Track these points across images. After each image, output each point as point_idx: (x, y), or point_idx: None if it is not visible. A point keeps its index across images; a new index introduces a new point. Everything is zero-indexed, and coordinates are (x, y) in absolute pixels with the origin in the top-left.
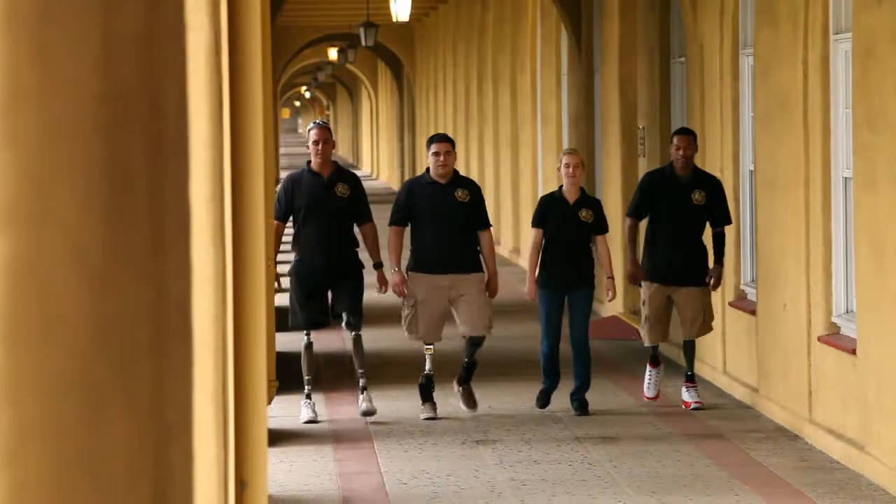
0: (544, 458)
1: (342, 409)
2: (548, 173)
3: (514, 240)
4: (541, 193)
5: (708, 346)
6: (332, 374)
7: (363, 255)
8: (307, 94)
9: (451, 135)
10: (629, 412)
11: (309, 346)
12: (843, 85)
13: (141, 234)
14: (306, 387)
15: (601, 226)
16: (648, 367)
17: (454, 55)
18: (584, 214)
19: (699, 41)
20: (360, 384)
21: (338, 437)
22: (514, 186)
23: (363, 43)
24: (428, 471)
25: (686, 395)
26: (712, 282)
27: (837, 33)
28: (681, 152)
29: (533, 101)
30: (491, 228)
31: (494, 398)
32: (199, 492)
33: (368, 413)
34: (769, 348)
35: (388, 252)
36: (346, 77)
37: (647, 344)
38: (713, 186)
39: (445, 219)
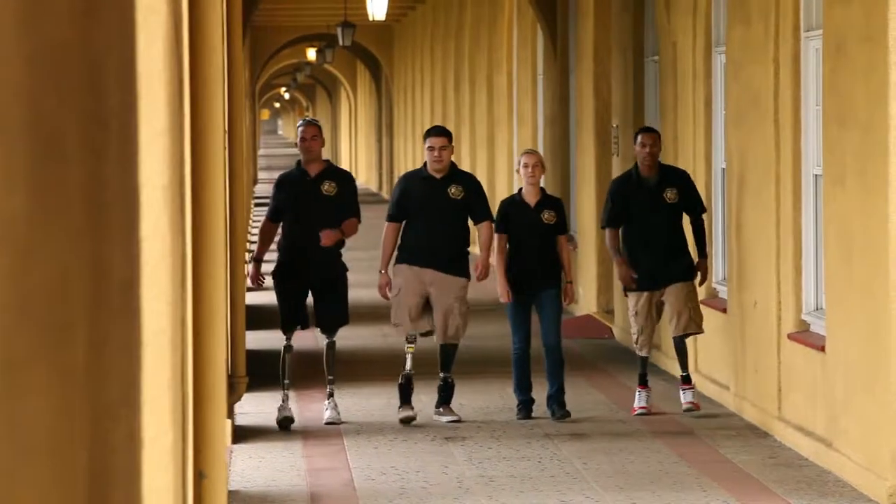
0: (514, 455)
1: (313, 407)
2: None
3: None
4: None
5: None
6: (304, 373)
7: (347, 255)
8: (286, 96)
9: None
10: (601, 410)
11: (288, 348)
12: (814, 82)
13: (73, 205)
14: (283, 391)
15: (563, 226)
16: (637, 389)
17: (432, 56)
18: (547, 216)
19: (672, 40)
20: (328, 390)
21: (307, 433)
22: (489, 187)
23: (340, 43)
24: (397, 467)
25: (682, 397)
26: (699, 277)
27: (808, 31)
28: (647, 149)
29: (509, 101)
30: (490, 221)
31: (465, 396)
32: (155, 481)
33: (333, 422)
34: (740, 346)
35: (381, 250)
36: (325, 78)
37: (641, 354)
38: (682, 180)
39: (435, 215)
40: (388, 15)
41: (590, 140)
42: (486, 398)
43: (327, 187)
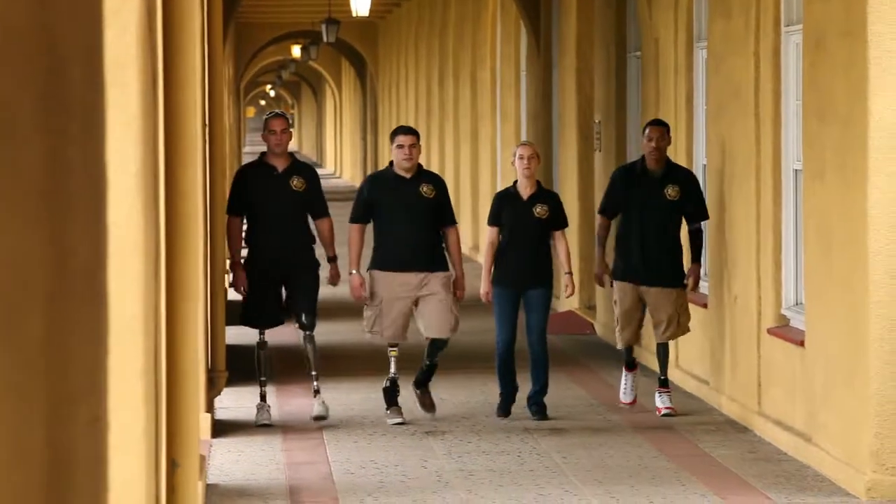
0: (493, 449)
1: (293, 402)
2: (507, 168)
3: (473, 236)
4: (499, 187)
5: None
6: (284, 367)
7: (319, 251)
8: (272, 93)
9: None
10: (581, 405)
11: (262, 344)
12: (794, 77)
13: (29, 184)
14: (260, 388)
15: (559, 221)
16: (624, 372)
17: (416, 52)
18: (540, 210)
19: (655, 35)
20: (314, 387)
21: (287, 428)
22: (473, 182)
23: (325, 39)
24: (376, 461)
25: (658, 401)
26: (690, 282)
27: (788, 25)
28: (653, 143)
29: (493, 96)
30: (457, 226)
31: (446, 390)
32: (126, 468)
33: (321, 417)
34: (720, 341)
35: (348, 252)
36: (310, 75)
37: (619, 346)
38: (688, 181)
39: (410, 215)
40: (372, 12)
41: (572, 135)
42: (467, 393)
43: (296, 183)
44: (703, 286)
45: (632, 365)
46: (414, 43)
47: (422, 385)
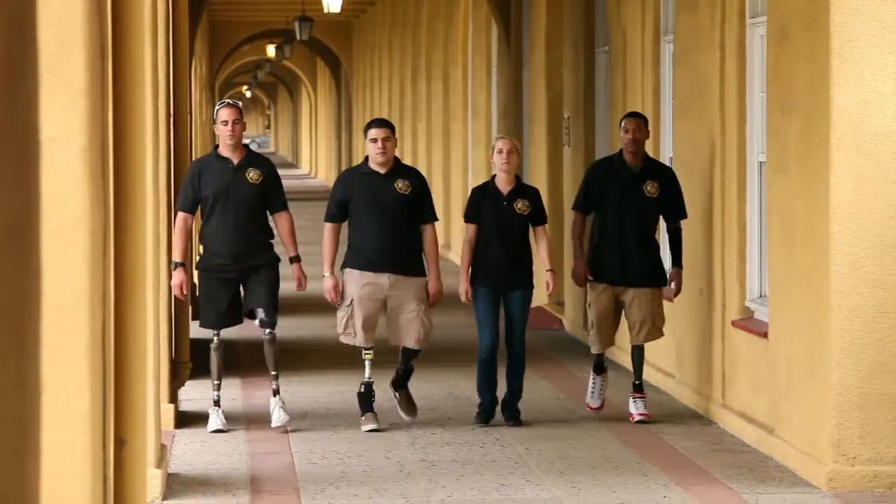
0: (456, 440)
1: (258, 394)
2: (477, 166)
3: (444, 235)
4: (470, 188)
5: (625, 331)
6: (250, 360)
7: (280, 248)
8: (248, 94)
9: None
10: (546, 398)
11: (218, 347)
12: (759, 69)
13: None
14: (214, 393)
15: (539, 216)
16: (592, 375)
17: (390, 51)
18: (520, 206)
19: (622, 29)
20: (273, 387)
21: (251, 419)
22: (445, 180)
23: (298, 37)
24: (339, 452)
25: (632, 407)
26: (673, 287)
27: (754, 17)
28: (630, 135)
29: (464, 94)
30: (435, 223)
31: (412, 384)
32: (71, 444)
33: (283, 425)
34: (685, 334)
35: (322, 252)
36: (286, 76)
37: (593, 350)
38: (667, 177)
39: (385, 212)
40: (347, 11)
41: (542, 132)
42: (432, 386)
43: (253, 175)
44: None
45: (601, 368)
46: (388, 42)
47: (400, 387)
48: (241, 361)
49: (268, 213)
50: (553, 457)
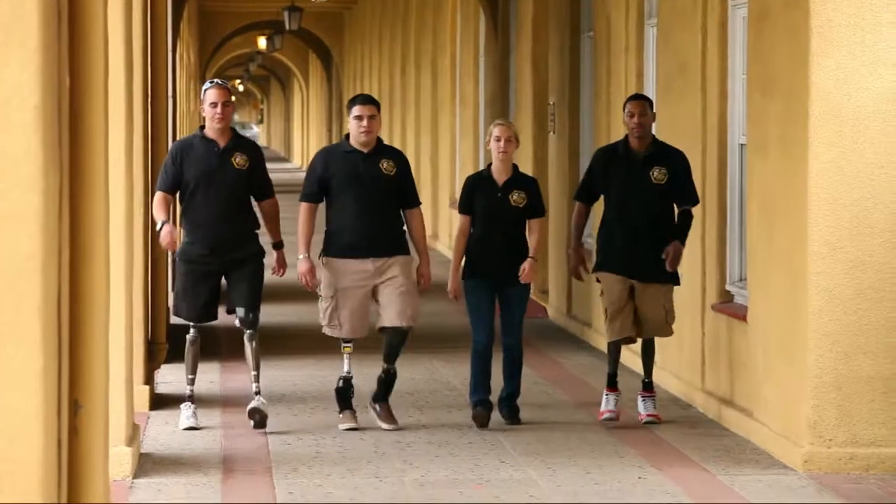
0: (433, 423)
1: (236, 377)
2: (465, 156)
3: (431, 225)
4: (458, 177)
5: None
6: (231, 344)
7: (265, 238)
8: (241, 87)
9: None
10: (527, 383)
11: (195, 340)
12: (741, 50)
13: None
14: (188, 388)
15: (536, 209)
16: (605, 393)
17: (380, 42)
18: (516, 198)
19: (606, 13)
20: (254, 389)
21: (228, 401)
22: (433, 170)
23: (287, 27)
24: (314, 433)
25: (641, 407)
26: (669, 258)
27: None
28: (635, 119)
29: (452, 83)
30: (420, 207)
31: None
32: (23, 406)
33: (261, 425)
34: None
35: (298, 234)
36: (279, 69)
37: (609, 339)
38: (676, 161)
39: (368, 194)
40: (338, 2)
41: (528, 119)
42: (411, 370)
43: (239, 160)
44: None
45: (613, 384)
46: (378, 32)
47: (380, 400)
48: (220, 346)
49: (252, 200)
50: (530, 440)
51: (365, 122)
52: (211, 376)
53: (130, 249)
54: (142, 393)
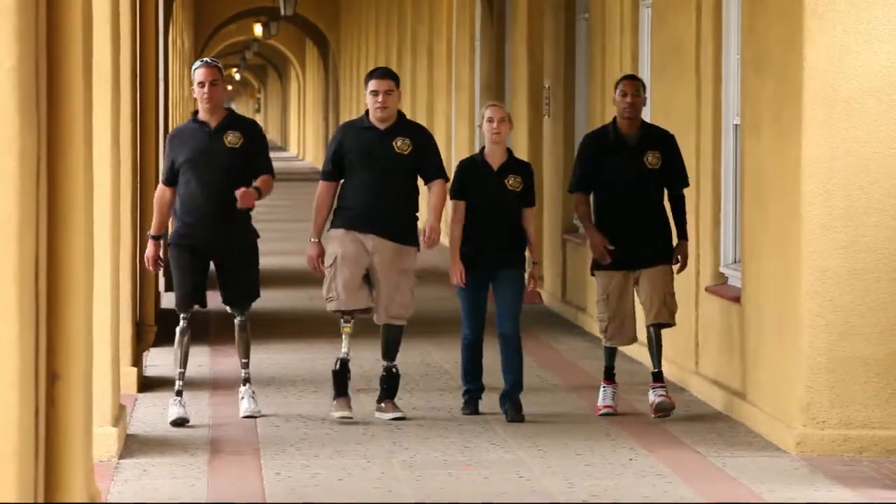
0: (425, 405)
1: (225, 361)
2: (460, 141)
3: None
4: (453, 162)
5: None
6: (221, 327)
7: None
8: (237, 76)
9: None
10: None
11: (185, 330)
12: (735, 30)
13: None
14: (177, 382)
15: (528, 197)
16: (602, 386)
17: (376, 28)
18: (512, 182)
19: None
20: (243, 375)
21: (217, 384)
22: None
23: (282, 12)
24: (303, 415)
25: (654, 396)
26: (679, 262)
27: None
28: (628, 99)
29: (448, 68)
30: (443, 181)
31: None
32: None
33: (252, 415)
34: None
35: (313, 215)
36: (276, 58)
37: (607, 344)
38: (667, 143)
39: (378, 172)
40: None
41: (523, 103)
42: (403, 354)
43: (231, 139)
44: None
45: (611, 376)
46: (374, 19)
47: (386, 398)
48: (210, 328)
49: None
50: (521, 423)
51: (381, 98)
52: (200, 359)
53: (117, 228)
54: (129, 375)
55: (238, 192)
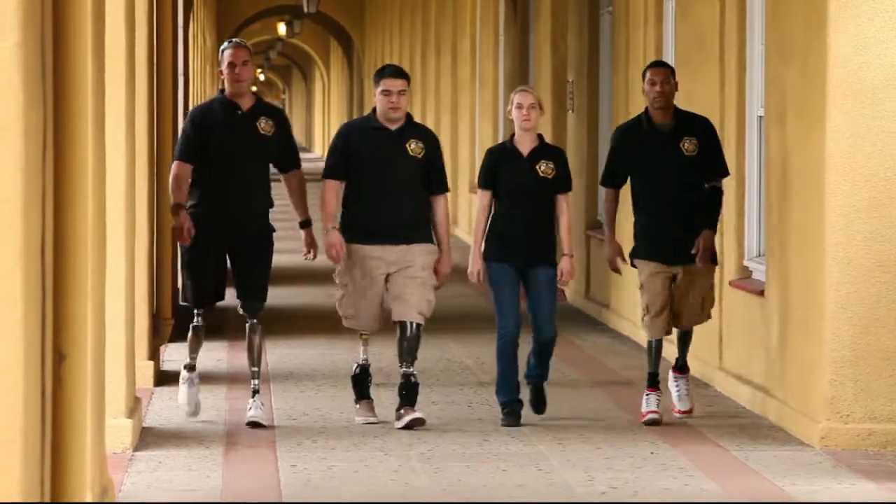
0: (444, 400)
1: (242, 356)
2: (484, 137)
3: (451, 210)
4: (478, 160)
5: (626, 299)
6: (237, 323)
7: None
8: (262, 77)
9: None
10: None
11: (199, 329)
12: (759, 21)
13: None
14: (187, 373)
15: (563, 182)
16: (646, 393)
17: (400, 27)
18: (544, 168)
19: None
20: (252, 385)
21: (234, 378)
22: (452, 153)
23: (305, 10)
24: (321, 409)
25: (674, 393)
26: (699, 251)
27: None
28: (657, 87)
29: (472, 64)
30: (448, 195)
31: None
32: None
33: (257, 424)
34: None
35: (322, 209)
36: (300, 58)
37: (648, 337)
38: (704, 130)
39: (392, 177)
40: None
41: (546, 97)
42: (423, 349)
43: (264, 125)
44: None
45: (655, 382)
46: (398, 17)
47: (405, 405)
48: (228, 324)
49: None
50: (541, 416)
51: (394, 98)
52: (218, 354)
53: (132, 218)
54: (146, 368)
55: (305, 255)
